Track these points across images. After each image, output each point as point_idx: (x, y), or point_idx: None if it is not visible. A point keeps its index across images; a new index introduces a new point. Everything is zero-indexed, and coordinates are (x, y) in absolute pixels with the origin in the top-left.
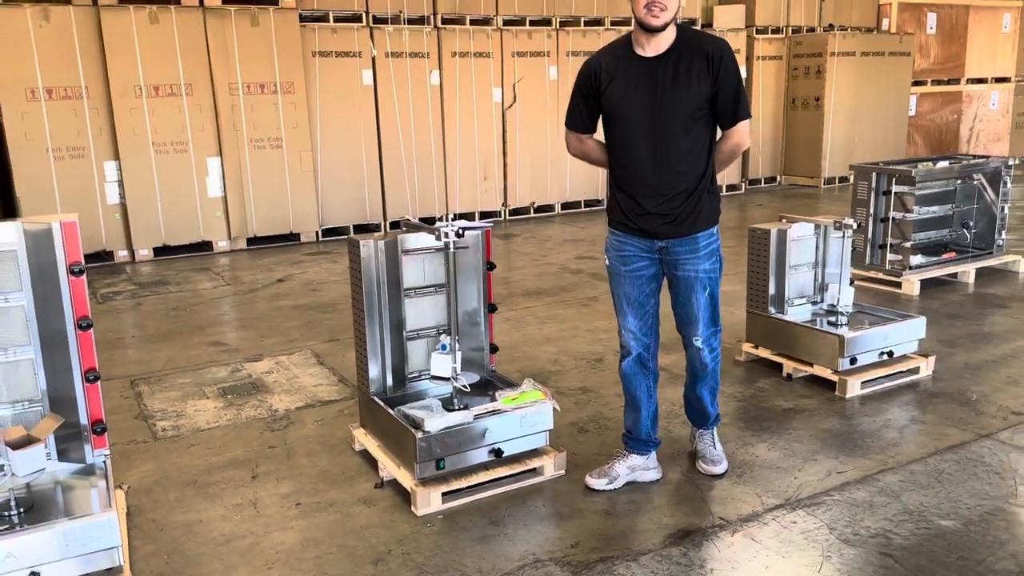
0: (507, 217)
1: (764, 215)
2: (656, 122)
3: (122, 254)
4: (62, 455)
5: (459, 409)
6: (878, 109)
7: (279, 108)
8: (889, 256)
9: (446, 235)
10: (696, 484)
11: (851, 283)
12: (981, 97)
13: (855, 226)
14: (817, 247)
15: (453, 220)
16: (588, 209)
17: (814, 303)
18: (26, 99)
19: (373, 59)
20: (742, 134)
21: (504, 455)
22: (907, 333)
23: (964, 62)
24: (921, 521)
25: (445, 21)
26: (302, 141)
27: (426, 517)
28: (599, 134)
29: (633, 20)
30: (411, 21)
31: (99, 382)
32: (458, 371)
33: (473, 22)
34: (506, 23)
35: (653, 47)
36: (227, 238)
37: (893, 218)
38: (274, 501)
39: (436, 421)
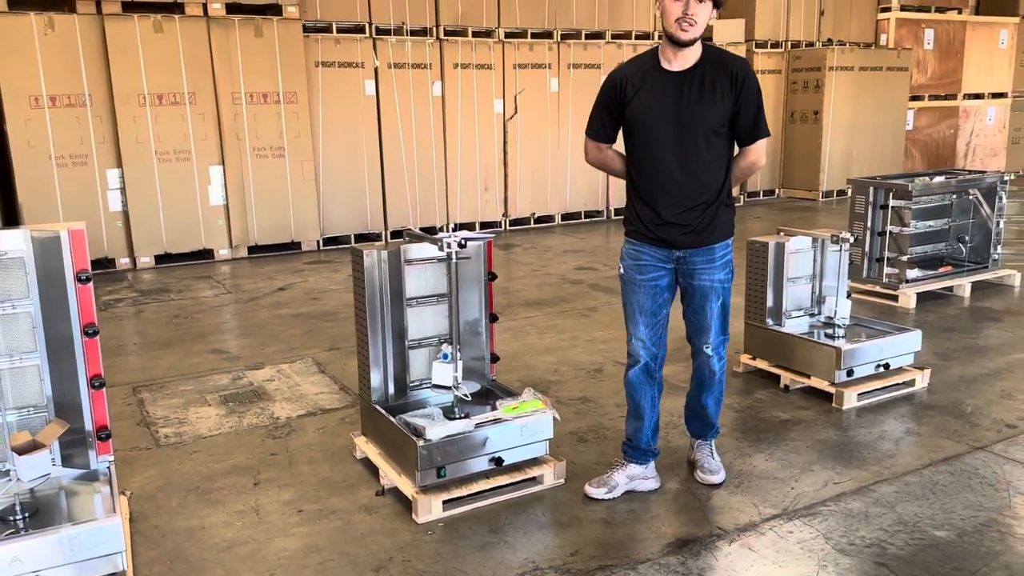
0: (507, 227)
1: (762, 228)
2: (680, 135)
3: (123, 261)
4: (66, 461)
5: (460, 418)
6: (876, 123)
7: (282, 117)
8: (886, 269)
9: (449, 245)
10: (694, 494)
11: (848, 296)
12: (978, 112)
13: (852, 239)
14: (815, 260)
15: (453, 230)
16: (588, 220)
17: (811, 315)
18: (30, 106)
19: (376, 70)
20: (759, 152)
21: (504, 464)
22: (903, 346)
23: (961, 77)
24: (916, 531)
25: (447, 33)
26: (304, 150)
27: (427, 524)
28: (618, 144)
29: (662, 34)
30: (414, 32)
31: (104, 388)
32: (459, 380)
33: (475, 34)
34: (508, 35)
35: (680, 62)
36: (228, 246)
37: (890, 232)
38: (276, 508)
39: (437, 429)
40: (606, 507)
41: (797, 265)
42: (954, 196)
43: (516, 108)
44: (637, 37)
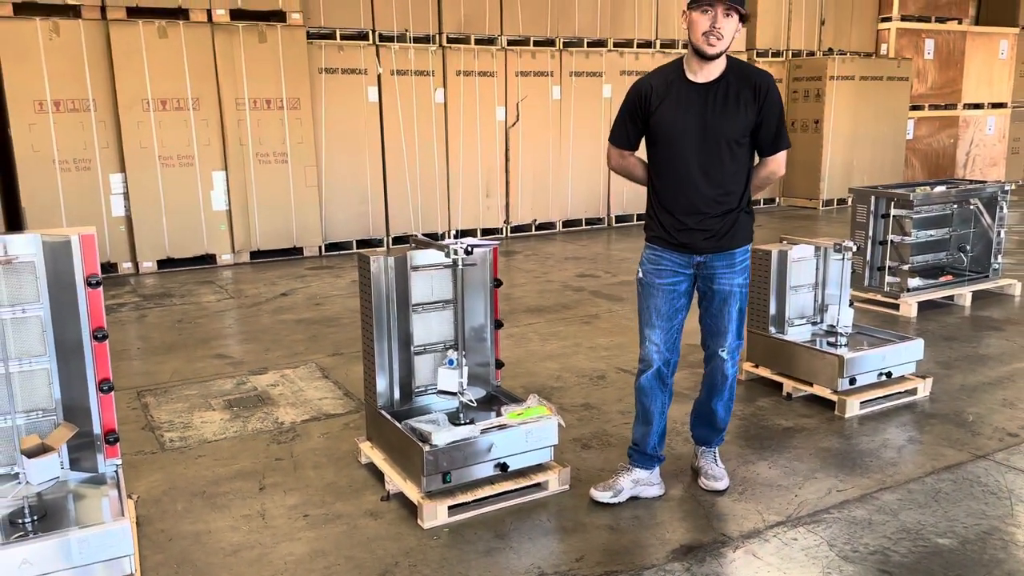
0: (509, 234)
1: (764, 236)
2: (703, 145)
3: (126, 266)
4: (74, 464)
5: (465, 423)
6: (876, 133)
7: (285, 123)
8: (887, 278)
9: (455, 252)
10: (698, 500)
11: (850, 304)
12: (978, 122)
13: (854, 248)
14: (817, 268)
15: (455, 237)
16: (589, 227)
17: (814, 324)
18: (34, 111)
19: (379, 76)
20: (779, 163)
21: (509, 469)
22: (905, 354)
23: (961, 87)
24: (919, 539)
25: (450, 40)
26: (307, 156)
27: (432, 530)
28: (640, 152)
29: (688, 46)
30: (417, 40)
31: (113, 392)
32: (464, 386)
33: (478, 41)
34: (510, 43)
35: (705, 74)
36: (231, 251)
37: (891, 241)
38: (281, 512)
39: (444, 435)
40: (611, 513)
41: (800, 273)
42: (955, 206)
43: (518, 115)
44: (639, 46)
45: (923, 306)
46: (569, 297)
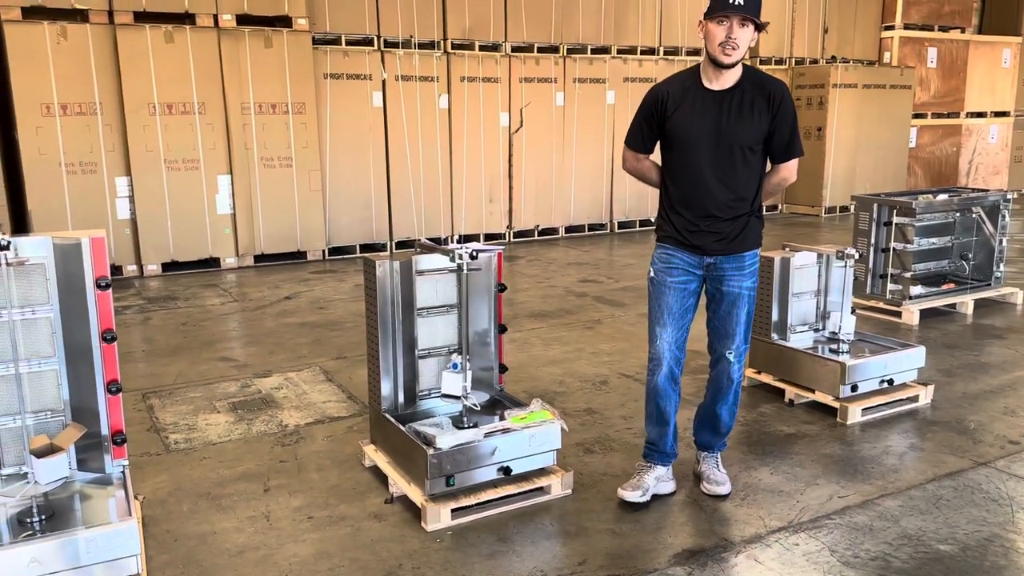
0: (511, 239)
1: (767, 243)
2: (718, 150)
3: (131, 268)
4: (81, 465)
5: (469, 427)
6: (879, 140)
7: (290, 128)
8: (890, 286)
9: (460, 257)
10: (700, 505)
11: (852, 311)
12: (980, 131)
13: (857, 256)
14: (819, 275)
15: (458, 242)
16: (592, 233)
17: (816, 330)
18: (41, 114)
19: (383, 82)
20: (790, 170)
21: (512, 473)
22: (907, 362)
23: (964, 96)
24: (920, 545)
25: (455, 46)
26: (311, 161)
27: (436, 533)
28: (654, 155)
29: (704, 55)
30: (421, 46)
31: (120, 394)
32: (468, 390)
33: (482, 48)
34: (515, 49)
35: (721, 82)
36: (235, 255)
37: (894, 249)
38: (286, 514)
39: (448, 438)
40: (613, 518)
41: (802, 280)
42: (957, 214)
43: (522, 121)
44: (642, 52)
45: (925, 314)
46: (572, 302)
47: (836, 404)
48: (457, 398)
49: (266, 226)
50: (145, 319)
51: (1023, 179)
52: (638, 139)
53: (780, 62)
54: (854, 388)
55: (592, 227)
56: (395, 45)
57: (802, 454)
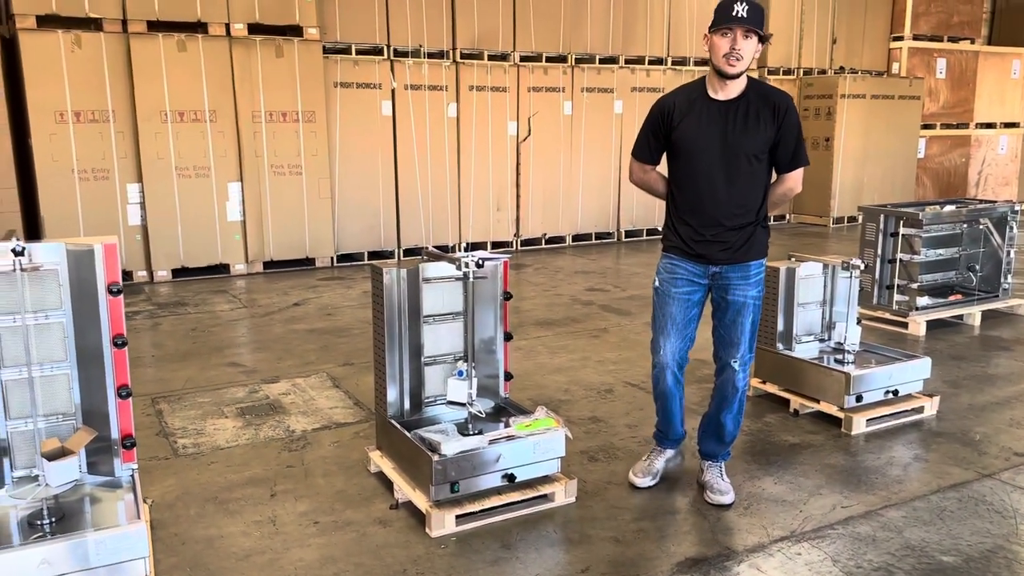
0: (519, 248)
1: (773, 253)
2: (723, 160)
3: (141, 274)
4: (91, 468)
5: (474, 434)
6: (887, 151)
7: (300, 136)
8: (896, 297)
9: (466, 265)
10: (703, 514)
11: (858, 322)
12: (990, 142)
13: (863, 266)
14: (825, 286)
15: (466, 250)
16: (599, 242)
17: (821, 341)
18: (55, 121)
19: (393, 91)
20: (796, 180)
21: (517, 480)
22: (912, 373)
23: (973, 107)
24: (923, 556)
25: (464, 56)
26: (321, 169)
27: (440, 538)
28: (661, 166)
29: (710, 66)
30: (431, 55)
31: (131, 398)
32: (474, 397)
33: (491, 57)
34: (523, 59)
35: (726, 92)
36: (244, 261)
37: (900, 259)
38: (292, 519)
39: (453, 445)
40: (616, 525)
41: (808, 291)
42: (965, 225)
43: (530, 130)
44: (650, 63)
45: (932, 325)
46: (578, 311)
47: (841, 414)
48: (462, 405)
49: (275, 233)
50: (155, 324)
51: None
52: (645, 150)
53: (788, 72)
54: (859, 399)
55: (599, 236)
56: (405, 54)
57: (806, 464)
